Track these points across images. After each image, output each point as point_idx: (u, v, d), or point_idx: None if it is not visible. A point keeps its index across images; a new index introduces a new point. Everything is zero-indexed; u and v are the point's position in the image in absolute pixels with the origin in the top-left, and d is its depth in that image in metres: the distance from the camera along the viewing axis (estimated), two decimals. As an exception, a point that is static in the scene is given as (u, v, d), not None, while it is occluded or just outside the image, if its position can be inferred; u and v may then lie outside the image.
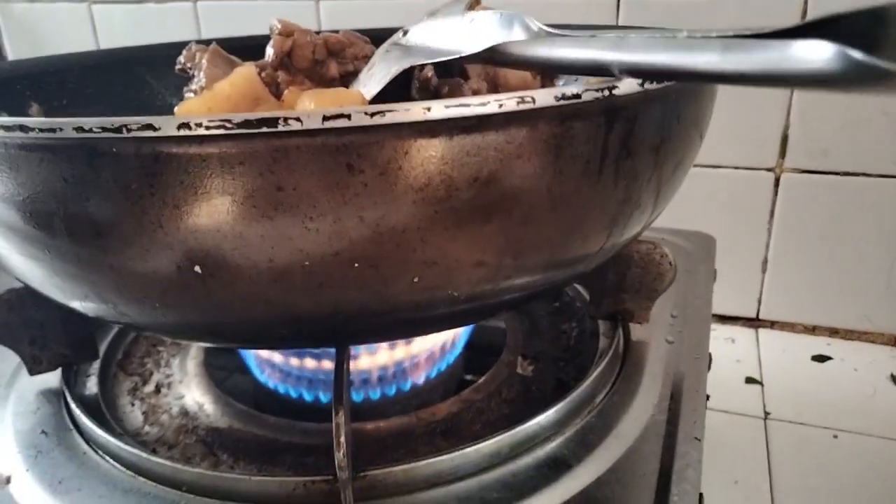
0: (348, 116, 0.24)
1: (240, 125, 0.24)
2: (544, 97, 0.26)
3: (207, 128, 0.24)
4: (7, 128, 0.26)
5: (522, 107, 0.25)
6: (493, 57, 0.30)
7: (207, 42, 0.51)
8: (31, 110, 0.51)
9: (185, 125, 0.24)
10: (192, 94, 0.46)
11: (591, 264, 0.35)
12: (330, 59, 0.46)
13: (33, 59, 0.53)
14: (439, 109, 0.24)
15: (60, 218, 0.28)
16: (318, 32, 0.47)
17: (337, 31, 0.48)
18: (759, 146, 0.77)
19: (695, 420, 0.45)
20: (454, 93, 0.37)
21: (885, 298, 0.78)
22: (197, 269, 0.28)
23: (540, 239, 0.31)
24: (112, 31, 0.99)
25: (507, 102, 0.25)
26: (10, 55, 1.05)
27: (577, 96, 0.26)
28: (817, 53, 0.19)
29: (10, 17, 1.03)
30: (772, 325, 0.84)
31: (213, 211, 0.26)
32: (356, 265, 0.29)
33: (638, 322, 0.53)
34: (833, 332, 0.81)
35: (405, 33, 0.40)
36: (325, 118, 0.24)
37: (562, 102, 0.26)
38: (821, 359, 0.78)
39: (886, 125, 0.71)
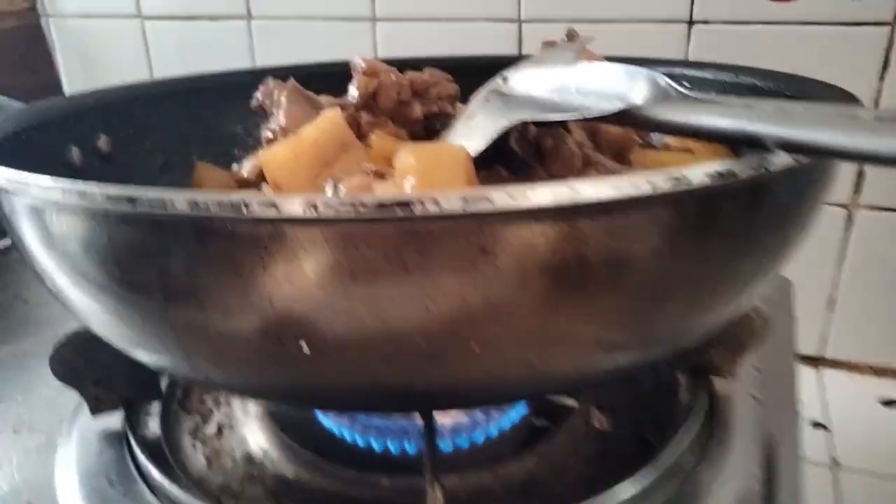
0: (490, 200, 0.22)
1: (374, 209, 0.22)
2: (698, 176, 0.23)
3: (337, 210, 0.22)
4: (113, 198, 0.24)
5: (676, 188, 0.23)
6: (624, 118, 0.28)
7: (282, 75, 0.50)
8: (100, 141, 0.49)
9: (313, 206, 0.22)
10: (270, 134, 0.44)
11: (713, 334, 0.32)
12: (414, 100, 0.44)
13: (100, 91, 0.51)
14: (588, 191, 0.22)
15: (160, 289, 0.26)
16: (401, 70, 0.45)
17: (419, 69, 0.46)
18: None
19: (795, 490, 0.42)
20: (559, 147, 0.35)
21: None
22: (303, 344, 0.27)
23: (671, 316, 0.28)
24: (164, 46, 0.98)
25: (661, 184, 0.23)
26: (63, 69, 1.05)
27: (733, 174, 0.24)
28: None
29: (64, 30, 1.03)
30: (837, 365, 0.80)
31: (331, 291, 0.24)
32: (473, 344, 0.26)
33: (722, 376, 0.50)
34: (903, 376, 0.78)
35: (505, 80, 0.37)
36: (466, 201, 0.22)
37: (717, 183, 0.23)
38: (890, 403, 0.75)
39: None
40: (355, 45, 0.88)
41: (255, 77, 0.62)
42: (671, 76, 0.56)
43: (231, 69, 0.62)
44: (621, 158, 0.39)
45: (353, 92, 0.43)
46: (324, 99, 0.49)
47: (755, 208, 0.26)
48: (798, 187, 0.27)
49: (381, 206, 0.22)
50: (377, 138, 0.40)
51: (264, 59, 0.93)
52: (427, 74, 0.45)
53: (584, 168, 0.34)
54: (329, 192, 0.36)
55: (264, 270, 0.24)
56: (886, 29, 0.67)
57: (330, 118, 0.39)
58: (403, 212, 0.22)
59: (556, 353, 0.28)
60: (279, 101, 0.44)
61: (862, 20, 0.67)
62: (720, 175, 0.24)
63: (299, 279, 0.24)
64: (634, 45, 0.76)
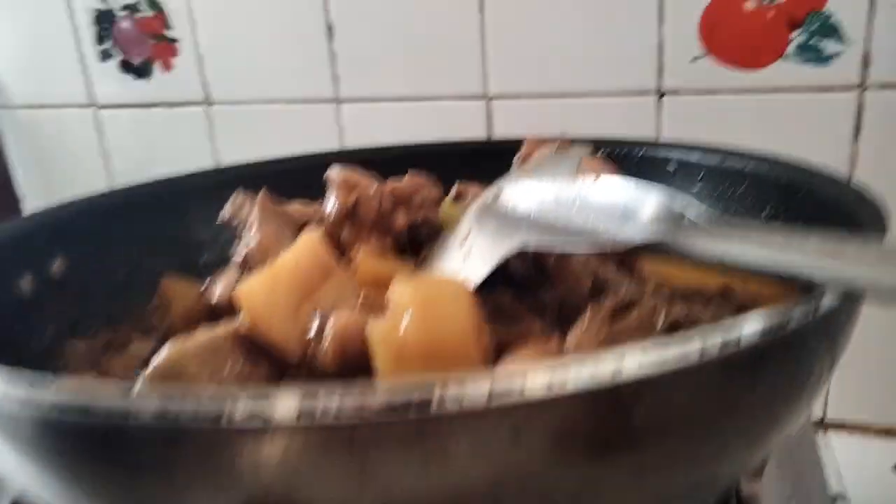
0: (521, 392, 0.19)
1: (383, 411, 0.18)
2: (751, 329, 0.21)
3: (338, 417, 0.18)
4: (65, 407, 0.20)
5: (725, 350, 0.20)
6: (655, 249, 0.25)
7: (249, 175, 0.47)
8: (55, 264, 0.45)
9: (309, 414, 0.18)
10: (240, 255, 0.41)
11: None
12: (397, 209, 0.41)
13: (53, 209, 0.47)
14: (633, 365, 0.19)
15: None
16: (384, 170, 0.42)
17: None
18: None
19: None
20: (564, 267, 0.32)
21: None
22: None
23: (711, 468, 0.25)
24: (120, 135, 0.95)
25: (710, 349, 0.20)
26: (15, 162, 1.00)
27: (784, 326, 0.21)
28: None
29: (14, 122, 0.99)
30: (841, 427, 0.78)
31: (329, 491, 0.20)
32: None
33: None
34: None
35: (498, 194, 0.35)
36: (492, 396, 0.19)
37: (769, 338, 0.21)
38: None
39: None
40: (319, 129, 0.85)
41: (219, 178, 0.59)
42: (657, 158, 0.55)
43: (193, 170, 0.59)
44: (624, 264, 0.36)
45: (330, 206, 0.40)
46: (296, 207, 0.46)
47: (802, 354, 0.23)
48: (841, 324, 0.25)
49: (391, 407, 0.18)
50: (364, 259, 0.37)
51: (226, 146, 0.90)
52: (408, 180, 0.42)
53: (594, 290, 0.32)
54: (314, 330, 0.33)
55: (256, 479, 0.20)
56: (855, 93, 0.67)
57: (308, 242, 0.36)
58: (421, 413, 0.18)
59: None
60: (250, 217, 0.41)
61: (830, 85, 0.67)
62: (772, 329, 0.21)
63: (297, 482, 0.20)
64: (605, 118, 0.76)
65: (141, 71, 0.91)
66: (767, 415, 0.24)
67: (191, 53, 0.87)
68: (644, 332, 0.28)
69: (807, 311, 0.22)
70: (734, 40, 0.69)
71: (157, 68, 0.90)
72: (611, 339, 0.28)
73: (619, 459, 0.22)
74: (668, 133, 0.74)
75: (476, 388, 0.18)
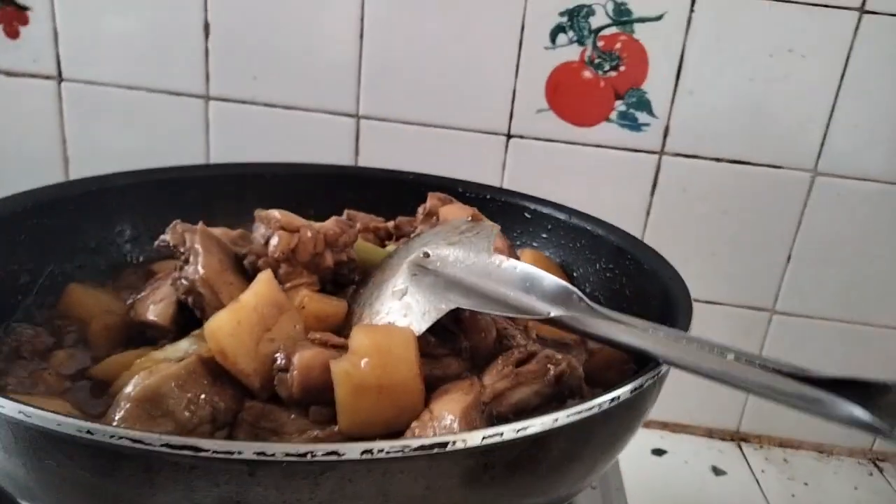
0: (500, 434, 0.29)
1: (416, 449, 0.27)
2: (625, 392, 0.33)
3: (388, 452, 0.27)
4: (174, 447, 0.26)
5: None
6: (556, 322, 0.37)
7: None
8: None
9: (368, 451, 0.27)
10: (185, 282, 0.45)
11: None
12: (326, 250, 0.48)
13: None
14: (564, 419, 0.30)
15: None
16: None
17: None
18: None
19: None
20: (476, 320, 0.42)
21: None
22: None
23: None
24: None
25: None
26: None
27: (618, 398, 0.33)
28: (849, 411, 0.29)
29: None
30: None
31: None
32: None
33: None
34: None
35: (426, 255, 0.44)
36: (485, 437, 0.28)
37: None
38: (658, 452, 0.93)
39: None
40: (186, 122, 0.86)
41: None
42: (516, 205, 0.67)
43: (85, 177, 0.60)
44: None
45: (273, 246, 0.46)
46: (220, 231, 0.51)
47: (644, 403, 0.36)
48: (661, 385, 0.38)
49: (422, 447, 0.27)
50: (310, 299, 0.44)
51: (77, 126, 0.87)
52: (333, 223, 0.49)
53: (499, 338, 0.42)
54: (280, 363, 0.39)
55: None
56: (655, 157, 0.85)
57: (266, 283, 0.42)
58: (440, 449, 0.27)
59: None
60: (193, 248, 0.45)
61: (640, 148, 0.85)
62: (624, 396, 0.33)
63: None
64: (459, 150, 0.86)
65: (-22, 34, 0.84)
66: (614, 446, 0.37)
67: (44, 24, 0.83)
68: (539, 377, 0.39)
69: (651, 377, 0.35)
70: (572, 101, 0.84)
71: None
72: (515, 381, 0.39)
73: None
74: (512, 170, 0.88)
75: (473, 435, 0.28)
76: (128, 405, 0.36)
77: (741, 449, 0.97)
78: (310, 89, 0.84)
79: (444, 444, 0.28)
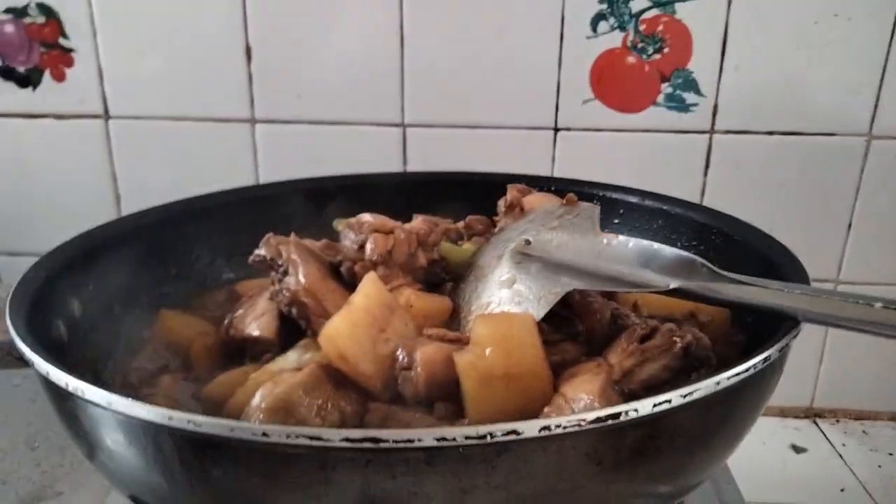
0: (669, 401, 0.28)
1: (592, 422, 0.27)
2: (774, 352, 0.32)
3: (565, 427, 0.26)
4: (354, 440, 0.25)
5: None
6: (681, 293, 0.36)
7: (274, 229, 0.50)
8: (74, 308, 0.46)
9: (546, 427, 0.26)
10: (288, 293, 0.44)
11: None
12: (419, 250, 0.48)
13: (60, 248, 0.47)
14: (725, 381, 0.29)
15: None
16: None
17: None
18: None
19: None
20: (588, 303, 0.42)
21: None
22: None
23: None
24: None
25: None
26: None
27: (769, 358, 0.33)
28: None
29: None
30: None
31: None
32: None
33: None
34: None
35: (528, 243, 0.44)
36: (655, 405, 0.28)
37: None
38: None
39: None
40: (232, 148, 0.86)
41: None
42: (610, 199, 0.66)
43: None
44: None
45: (370, 250, 0.45)
46: (314, 244, 0.51)
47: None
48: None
49: (598, 419, 0.27)
50: (416, 298, 0.44)
51: (125, 161, 0.87)
52: (421, 223, 0.49)
53: (612, 319, 0.42)
54: (401, 361, 0.39)
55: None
56: (706, 136, 0.85)
57: (374, 284, 0.42)
58: (613, 420, 0.27)
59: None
60: (291, 259, 0.45)
61: (689, 129, 0.84)
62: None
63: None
64: (508, 149, 0.86)
65: (26, 80, 0.85)
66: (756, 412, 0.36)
67: (89, 64, 0.84)
68: (666, 351, 0.38)
69: (793, 335, 0.34)
70: (618, 88, 0.83)
71: (46, 78, 0.85)
72: (642, 357, 0.38)
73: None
74: (562, 163, 0.87)
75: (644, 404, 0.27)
76: (261, 416, 0.36)
77: (817, 425, 0.96)
78: (354, 103, 0.85)
79: (617, 415, 0.27)
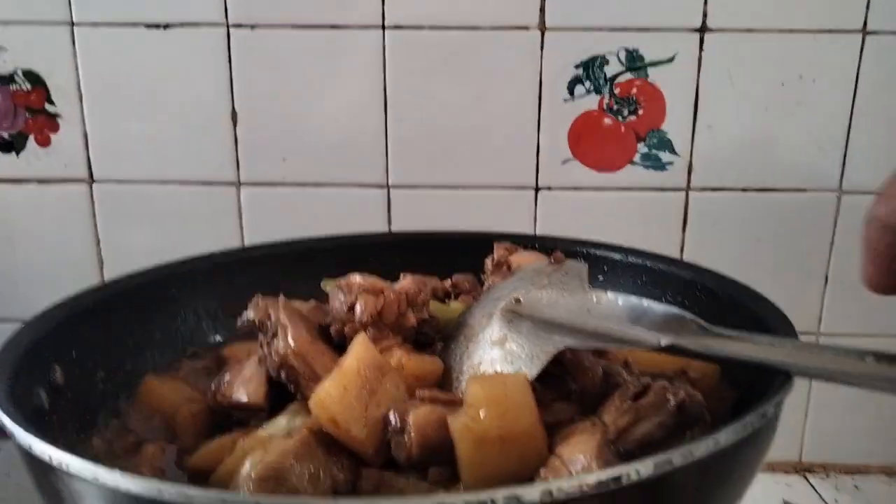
0: (670, 461, 0.28)
1: (594, 486, 0.26)
2: (770, 408, 0.32)
3: (567, 492, 0.26)
4: None
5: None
6: (672, 349, 0.36)
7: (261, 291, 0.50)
8: (56, 375, 0.45)
9: (548, 492, 0.26)
10: (277, 357, 0.44)
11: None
12: (408, 310, 0.48)
13: (42, 315, 0.47)
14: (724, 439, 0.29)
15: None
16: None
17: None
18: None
19: None
20: (579, 360, 0.42)
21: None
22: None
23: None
24: None
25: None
26: None
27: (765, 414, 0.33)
28: None
29: None
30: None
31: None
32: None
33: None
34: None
35: (518, 301, 0.44)
36: (656, 465, 0.28)
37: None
38: None
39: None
40: (217, 211, 0.87)
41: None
42: (594, 256, 0.67)
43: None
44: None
45: (359, 311, 0.45)
46: (301, 306, 0.51)
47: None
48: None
49: (600, 483, 0.27)
50: (407, 359, 0.43)
51: (109, 225, 0.87)
52: (411, 282, 0.49)
53: (604, 377, 0.42)
54: (393, 425, 0.39)
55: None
56: (682, 193, 0.87)
57: (363, 347, 0.42)
58: (615, 485, 0.27)
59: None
60: (280, 321, 0.45)
61: (666, 186, 0.86)
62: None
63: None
64: (490, 208, 0.88)
65: (9, 145, 0.85)
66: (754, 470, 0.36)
67: (74, 129, 0.84)
68: (660, 408, 0.38)
69: (786, 390, 0.34)
70: (595, 148, 0.85)
71: (31, 143, 0.85)
72: (636, 415, 0.38)
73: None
74: (543, 221, 0.88)
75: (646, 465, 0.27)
76: (251, 485, 0.35)
77: (808, 480, 0.95)
78: (339, 165, 0.86)
79: (619, 478, 0.27)
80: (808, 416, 0.93)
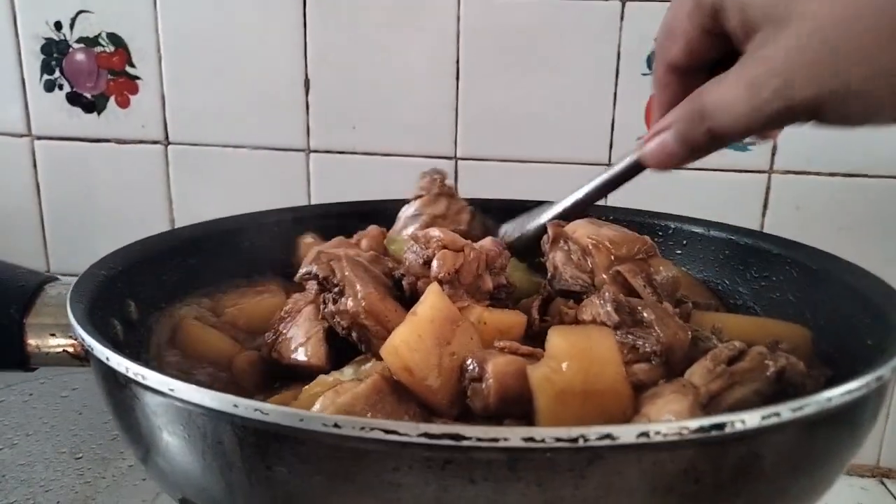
0: (778, 414, 0.25)
1: (695, 431, 0.24)
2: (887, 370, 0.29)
3: (665, 435, 0.24)
4: (434, 436, 0.23)
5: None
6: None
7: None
8: (131, 310, 0.45)
9: (644, 434, 0.24)
10: (344, 314, 0.42)
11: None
12: (486, 272, 0.45)
13: (122, 251, 0.47)
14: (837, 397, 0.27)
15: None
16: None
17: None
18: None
19: None
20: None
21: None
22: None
23: None
24: (58, 168, 0.90)
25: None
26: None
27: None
28: None
29: None
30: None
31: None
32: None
33: None
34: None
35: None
36: (763, 417, 0.25)
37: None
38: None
39: None
40: (286, 176, 0.87)
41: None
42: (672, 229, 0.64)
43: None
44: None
45: (436, 267, 0.43)
46: (354, 253, 0.49)
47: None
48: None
49: (701, 428, 0.24)
50: (489, 313, 0.42)
51: (183, 187, 0.88)
52: (490, 243, 0.47)
53: (693, 341, 0.39)
54: (474, 370, 0.37)
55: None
56: (765, 176, 0.82)
57: (438, 298, 0.40)
58: (717, 431, 0.24)
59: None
60: (346, 277, 0.44)
61: (746, 168, 0.82)
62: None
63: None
64: (561, 183, 0.85)
65: (91, 105, 0.87)
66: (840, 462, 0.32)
67: (153, 92, 0.86)
68: (756, 374, 0.35)
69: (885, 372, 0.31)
70: (674, 125, 0.82)
71: (111, 104, 0.87)
72: (731, 380, 0.35)
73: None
74: (615, 200, 0.85)
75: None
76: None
77: (885, 485, 0.89)
78: (408, 135, 0.85)
79: (723, 426, 0.25)
80: (888, 418, 0.88)
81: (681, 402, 0.33)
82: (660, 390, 0.35)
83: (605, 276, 0.45)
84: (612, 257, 0.46)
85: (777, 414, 0.26)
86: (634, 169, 0.51)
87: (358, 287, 0.44)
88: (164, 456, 0.30)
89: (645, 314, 0.40)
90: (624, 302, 0.41)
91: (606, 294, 0.41)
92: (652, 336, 0.39)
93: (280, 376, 0.46)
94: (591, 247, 0.47)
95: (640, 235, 0.49)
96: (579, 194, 0.54)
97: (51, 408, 0.58)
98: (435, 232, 0.45)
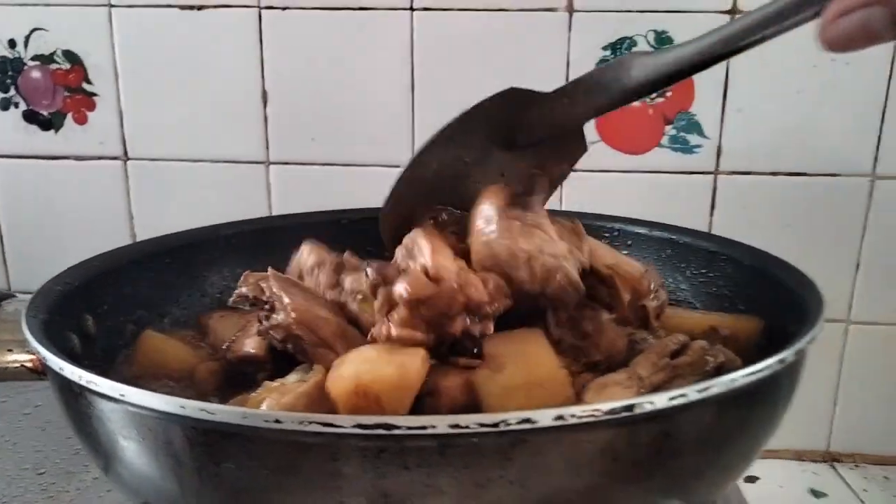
0: (685, 395, 0.28)
1: (607, 413, 0.27)
2: (802, 344, 0.32)
3: (580, 417, 0.26)
4: (366, 427, 0.25)
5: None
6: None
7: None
8: (88, 324, 0.46)
9: (560, 417, 0.26)
10: (280, 327, 0.44)
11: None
12: (459, 317, 0.39)
13: (80, 266, 0.48)
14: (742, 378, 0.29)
15: None
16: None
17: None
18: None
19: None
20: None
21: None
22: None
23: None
24: (15, 186, 0.90)
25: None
26: None
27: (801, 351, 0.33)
28: None
29: None
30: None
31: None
32: None
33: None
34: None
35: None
36: (671, 398, 0.28)
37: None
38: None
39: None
40: (247, 189, 0.88)
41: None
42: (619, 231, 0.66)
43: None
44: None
45: (400, 289, 0.39)
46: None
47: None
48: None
49: (612, 410, 0.27)
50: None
51: (142, 203, 0.89)
52: (493, 285, 0.41)
53: (630, 344, 0.42)
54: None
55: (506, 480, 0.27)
56: (710, 177, 0.86)
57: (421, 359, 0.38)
58: (627, 412, 0.27)
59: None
60: (274, 293, 0.45)
61: (694, 170, 0.85)
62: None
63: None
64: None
65: (48, 123, 0.88)
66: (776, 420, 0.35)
67: (110, 108, 0.87)
68: (696, 368, 0.38)
69: (796, 350, 0.34)
70: (622, 130, 0.85)
71: (68, 121, 0.88)
72: (673, 373, 0.38)
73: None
74: (569, 202, 0.88)
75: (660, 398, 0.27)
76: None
77: (836, 469, 0.93)
78: (366, 145, 0.87)
79: (632, 407, 0.27)
80: (836, 404, 0.91)
81: (623, 393, 0.35)
82: (605, 380, 0.38)
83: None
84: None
85: (684, 395, 0.28)
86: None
87: (286, 300, 0.44)
88: (123, 462, 0.31)
89: (584, 326, 0.42)
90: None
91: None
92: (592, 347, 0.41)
93: (240, 385, 0.48)
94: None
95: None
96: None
97: (13, 425, 0.59)
98: (426, 251, 0.41)
